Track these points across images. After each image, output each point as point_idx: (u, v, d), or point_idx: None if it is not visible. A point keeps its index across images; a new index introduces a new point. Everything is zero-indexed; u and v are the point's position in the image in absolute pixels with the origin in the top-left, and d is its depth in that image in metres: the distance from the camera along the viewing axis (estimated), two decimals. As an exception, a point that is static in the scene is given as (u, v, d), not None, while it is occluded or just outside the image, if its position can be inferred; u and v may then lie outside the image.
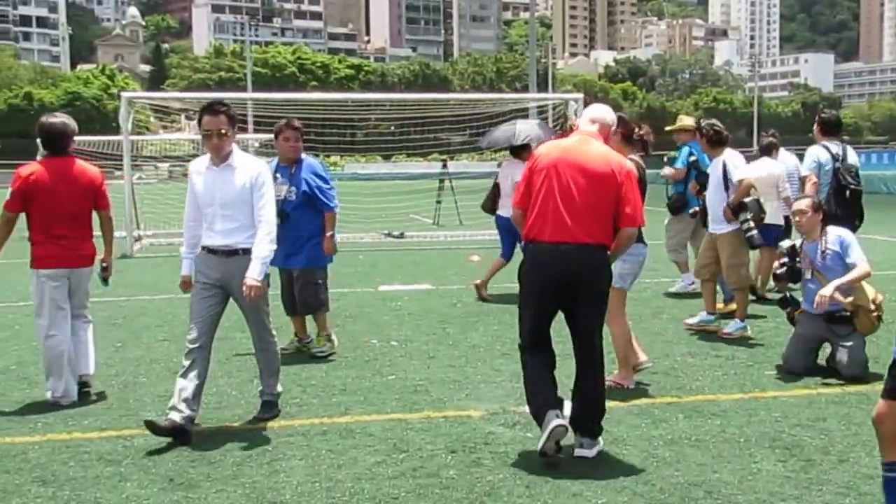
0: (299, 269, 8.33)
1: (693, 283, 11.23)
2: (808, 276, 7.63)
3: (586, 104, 20.42)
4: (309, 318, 8.67)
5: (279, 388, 6.51)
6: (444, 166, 27.32)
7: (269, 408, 6.42)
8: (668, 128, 12.03)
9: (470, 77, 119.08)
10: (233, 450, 5.67)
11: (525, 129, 12.39)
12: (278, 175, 8.18)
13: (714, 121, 9.51)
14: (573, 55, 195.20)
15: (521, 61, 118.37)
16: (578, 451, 5.46)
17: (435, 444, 5.72)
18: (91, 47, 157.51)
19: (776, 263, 8.02)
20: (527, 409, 5.66)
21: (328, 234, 8.32)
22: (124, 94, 20.02)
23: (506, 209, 10.61)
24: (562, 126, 19.77)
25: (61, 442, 5.86)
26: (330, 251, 8.41)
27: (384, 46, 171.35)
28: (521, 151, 11.66)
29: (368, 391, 7.09)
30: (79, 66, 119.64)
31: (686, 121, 11.97)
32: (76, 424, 6.21)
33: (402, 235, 21.21)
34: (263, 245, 5.96)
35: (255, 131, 36.16)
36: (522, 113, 23.51)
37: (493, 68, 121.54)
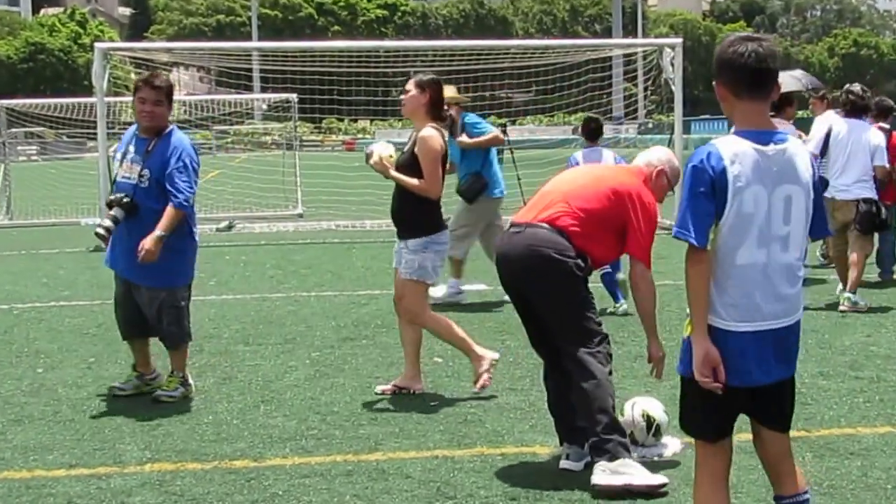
0: (155, 289, 7.55)
1: (461, 292, 11.82)
2: None
3: (686, 51, 20.25)
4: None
5: None
6: (504, 132, 27.22)
7: None
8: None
9: (536, 18, 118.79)
10: (233, 494, 5.70)
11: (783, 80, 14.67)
12: (131, 148, 7.70)
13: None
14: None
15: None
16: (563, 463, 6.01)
17: (490, 489, 5.71)
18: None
19: None
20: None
21: (156, 233, 7.27)
22: (99, 45, 20.26)
23: None
24: (654, 80, 19.64)
25: (20, 481, 5.94)
26: (146, 258, 7.26)
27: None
28: (782, 109, 13.33)
29: (405, 421, 7.10)
30: (42, 11, 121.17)
31: (454, 92, 12.28)
32: (39, 460, 6.28)
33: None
34: None
35: (263, 90, 36.43)
36: (603, 63, 23.41)
37: (565, 6, 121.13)
